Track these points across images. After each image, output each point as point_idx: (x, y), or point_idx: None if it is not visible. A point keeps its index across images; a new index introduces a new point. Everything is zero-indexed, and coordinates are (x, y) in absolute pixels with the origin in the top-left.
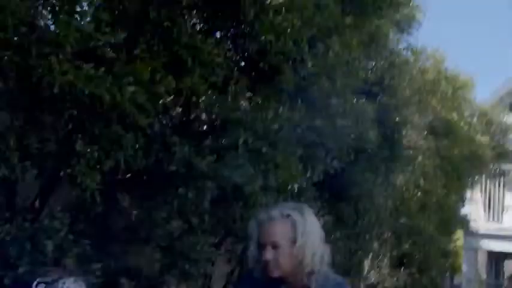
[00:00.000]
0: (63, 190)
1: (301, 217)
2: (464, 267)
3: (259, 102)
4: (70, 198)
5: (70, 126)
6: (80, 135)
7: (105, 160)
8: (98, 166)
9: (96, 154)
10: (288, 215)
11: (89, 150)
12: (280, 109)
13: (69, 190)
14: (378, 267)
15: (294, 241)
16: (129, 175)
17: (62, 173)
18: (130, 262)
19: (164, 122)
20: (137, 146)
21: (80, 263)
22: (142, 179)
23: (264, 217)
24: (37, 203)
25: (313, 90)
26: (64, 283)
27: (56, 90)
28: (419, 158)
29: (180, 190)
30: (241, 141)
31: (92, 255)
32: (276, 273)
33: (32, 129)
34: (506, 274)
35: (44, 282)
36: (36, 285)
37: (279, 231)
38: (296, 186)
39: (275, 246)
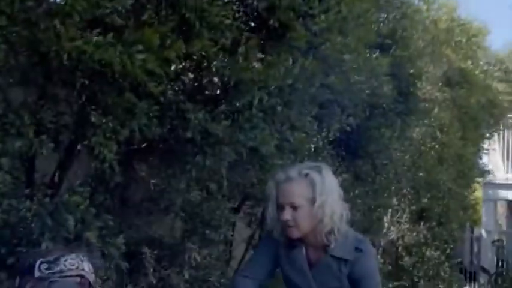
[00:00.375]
0: (81, 163)
1: (319, 176)
2: (483, 219)
3: (271, 60)
4: (88, 171)
5: (83, 98)
6: (93, 107)
7: (120, 130)
8: (114, 136)
9: (111, 124)
10: (306, 174)
11: (104, 121)
12: (291, 63)
13: (87, 163)
14: (397, 222)
15: (312, 201)
16: (144, 145)
17: (78, 146)
18: (151, 232)
19: (177, 88)
20: (151, 114)
21: (102, 237)
22: (158, 148)
23: (282, 177)
24: (56, 178)
25: (325, 46)
26: (66, 260)
27: (65, 59)
28: (436, 110)
29: (198, 158)
30: (255, 101)
31: (113, 227)
32: (295, 234)
33: (46, 104)
34: None
35: (46, 262)
36: (39, 265)
37: (298, 191)
38: (312, 145)
39: (294, 207)
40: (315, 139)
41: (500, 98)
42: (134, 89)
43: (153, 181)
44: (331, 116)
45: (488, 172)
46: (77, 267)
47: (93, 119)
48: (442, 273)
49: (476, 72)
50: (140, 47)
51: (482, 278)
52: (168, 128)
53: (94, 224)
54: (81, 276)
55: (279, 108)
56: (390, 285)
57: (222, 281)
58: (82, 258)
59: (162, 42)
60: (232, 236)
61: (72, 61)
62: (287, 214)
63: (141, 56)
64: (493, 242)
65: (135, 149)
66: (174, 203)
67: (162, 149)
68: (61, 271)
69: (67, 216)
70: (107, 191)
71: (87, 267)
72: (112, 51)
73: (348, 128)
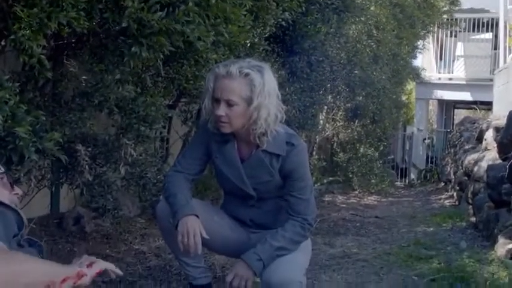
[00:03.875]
0: (7, 60)
1: (260, 77)
2: (416, 117)
3: None
4: (16, 68)
5: None
6: None
7: (47, 23)
8: (41, 30)
9: (37, 17)
10: (247, 74)
11: (29, 13)
12: None
13: (15, 59)
14: (332, 120)
15: (249, 101)
16: (74, 40)
17: (3, 42)
18: (85, 129)
19: None
20: (79, 6)
21: (35, 132)
22: (88, 42)
23: (222, 72)
24: None
25: None
26: None
27: None
28: (372, 7)
29: (134, 49)
30: None
31: (46, 123)
32: (227, 130)
33: None
34: (456, 122)
35: None
36: None
37: (236, 89)
38: (248, 41)
39: (229, 104)
40: (250, 34)
41: None
42: None
43: (84, 77)
44: (266, 10)
45: (421, 71)
46: None
47: (18, 11)
48: (375, 169)
49: None
50: None
51: (413, 174)
52: (98, 21)
53: (26, 120)
54: (1, 177)
55: (213, 1)
56: (325, 180)
57: (159, 177)
58: None
59: None
60: (168, 132)
61: None
62: (221, 110)
63: None
64: (424, 139)
65: (65, 44)
66: (108, 99)
67: (93, 44)
68: None
69: None
70: (36, 87)
71: (2, 167)
72: None
73: (284, 24)
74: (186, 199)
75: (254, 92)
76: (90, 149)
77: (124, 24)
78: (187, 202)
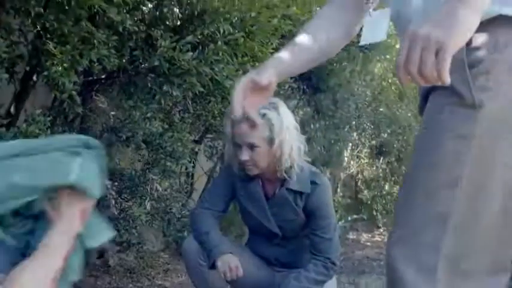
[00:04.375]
0: (38, 95)
1: (276, 115)
2: None
3: None
4: (46, 103)
5: (38, 27)
6: (48, 36)
7: (79, 60)
8: (72, 66)
9: (69, 54)
10: (264, 115)
11: (62, 50)
12: None
13: (45, 94)
14: (357, 157)
15: (271, 140)
16: (104, 76)
17: (35, 77)
18: (112, 164)
19: (136, 19)
20: (110, 44)
21: None
22: (118, 79)
23: (238, 117)
24: (12, 109)
25: None
26: None
27: None
28: (397, 45)
29: (165, 88)
30: (220, 32)
31: None
32: (254, 172)
33: None
34: None
35: None
36: None
37: (255, 132)
38: None
39: (252, 147)
40: None
41: None
42: (91, 18)
43: (113, 113)
44: None
45: None
46: None
47: (51, 48)
48: None
49: None
50: None
51: None
52: (127, 58)
53: None
54: None
55: (241, 40)
56: (349, 218)
57: (183, 212)
58: None
59: None
60: (193, 168)
61: None
62: (245, 155)
63: None
64: None
65: (94, 80)
66: (135, 134)
67: (122, 80)
68: None
69: None
70: (66, 122)
71: None
72: None
73: None
74: (219, 237)
75: (274, 131)
76: (116, 183)
77: (156, 63)
78: (221, 241)
